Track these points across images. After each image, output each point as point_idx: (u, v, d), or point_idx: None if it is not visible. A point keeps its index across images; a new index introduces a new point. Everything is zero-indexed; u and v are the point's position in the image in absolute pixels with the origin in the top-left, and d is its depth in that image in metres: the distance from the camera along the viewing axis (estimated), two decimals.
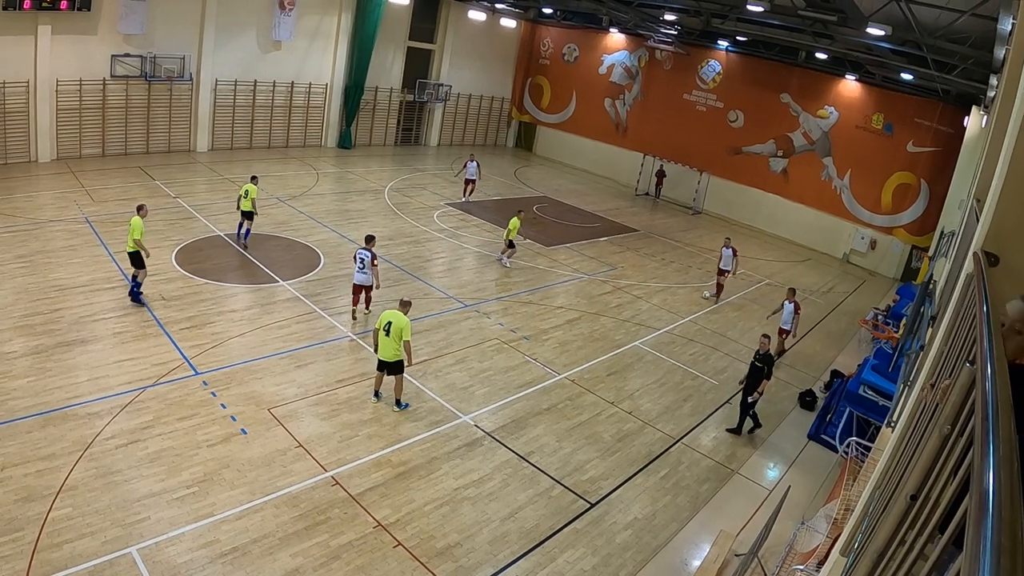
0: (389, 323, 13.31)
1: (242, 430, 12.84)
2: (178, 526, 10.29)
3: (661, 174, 39.14)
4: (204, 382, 14.20)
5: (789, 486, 13.36)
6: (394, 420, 13.96)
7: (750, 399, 14.95)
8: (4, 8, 25.69)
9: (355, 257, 17.55)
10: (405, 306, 13.61)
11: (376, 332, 13.61)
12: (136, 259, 16.58)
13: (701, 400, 17.18)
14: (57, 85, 28.35)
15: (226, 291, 18.73)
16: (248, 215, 21.27)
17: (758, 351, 14.91)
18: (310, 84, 37.45)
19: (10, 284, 17.00)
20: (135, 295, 16.90)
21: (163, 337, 15.68)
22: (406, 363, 13.82)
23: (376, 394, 14.35)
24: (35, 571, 9.09)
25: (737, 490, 13.93)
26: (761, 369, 14.63)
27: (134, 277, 16.89)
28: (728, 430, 15.57)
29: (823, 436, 16.10)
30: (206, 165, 31.65)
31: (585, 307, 21.49)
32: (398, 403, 14.11)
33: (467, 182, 31.45)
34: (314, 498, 11.41)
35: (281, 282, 19.68)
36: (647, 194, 40.24)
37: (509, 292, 21.77)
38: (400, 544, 10.73)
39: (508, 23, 44.60)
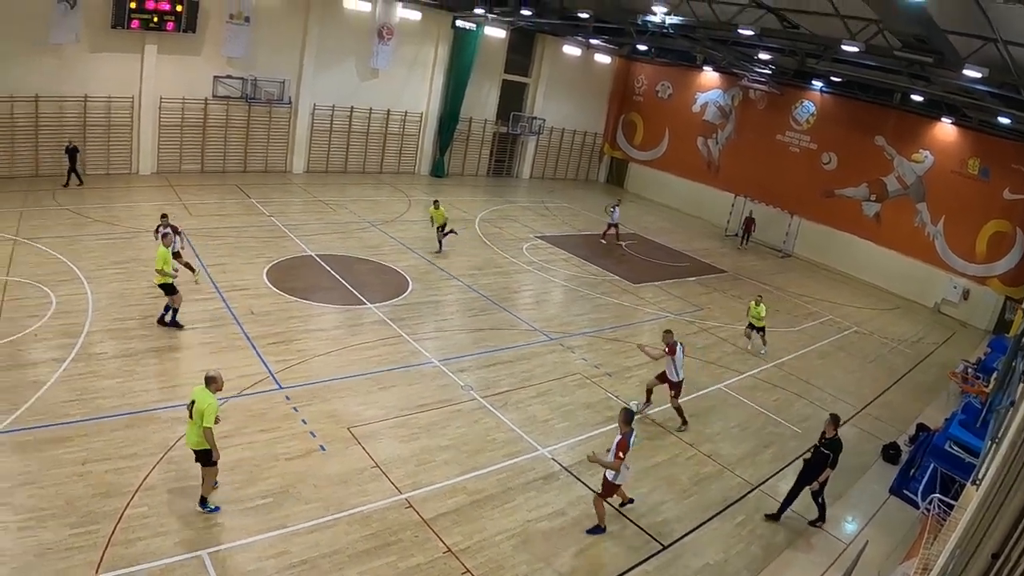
0: (192, 403, 10.85)
1: (321, 446, 13.48)
2: (251, 534, 10.94)
3: (750, 221, 38.81)
4: (287, 397, 15.02)
5: (867, 541, 13.01)
6: (473, 447, 14.36)
7: (810, 489, 13.71)
8: (112, 27, 28.60)
9: None
10: (211, 382, 11.04)
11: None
12: (166, 288, 16.96)
13: (783, 447, 16.93)
14: (160, 102, 31.08)
15: (314, 310, 19.73)
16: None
17: (824, 435, 13.54)
18: (406, 112, 39.43)
19: (106, 289, 18.64)
20: (170, 321, 17.22)
21: (250, 351, 16.74)
22: (213, 455, 11.11)
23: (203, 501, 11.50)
24: (107, 564, 9.87)
25: (813, 542, 13.68)
26: (826, 457, 13.24)
27: (167, 305, 17.24)
28: (767, 516, 14.50)
29: (905, 491, 15.62)
30: (301, 186, 33.62)
31: None
32: (203, 502, 11.33)
33: (610, 226, 32.27)
34: (387, 519, 11.87)
35: (369, 305, 20.53)
36: (736, 235, 39.97)
37: (595, 327, 22.05)
38: (468, 571, 11.02)
39: (602, 59, 45.55)
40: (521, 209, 37.00)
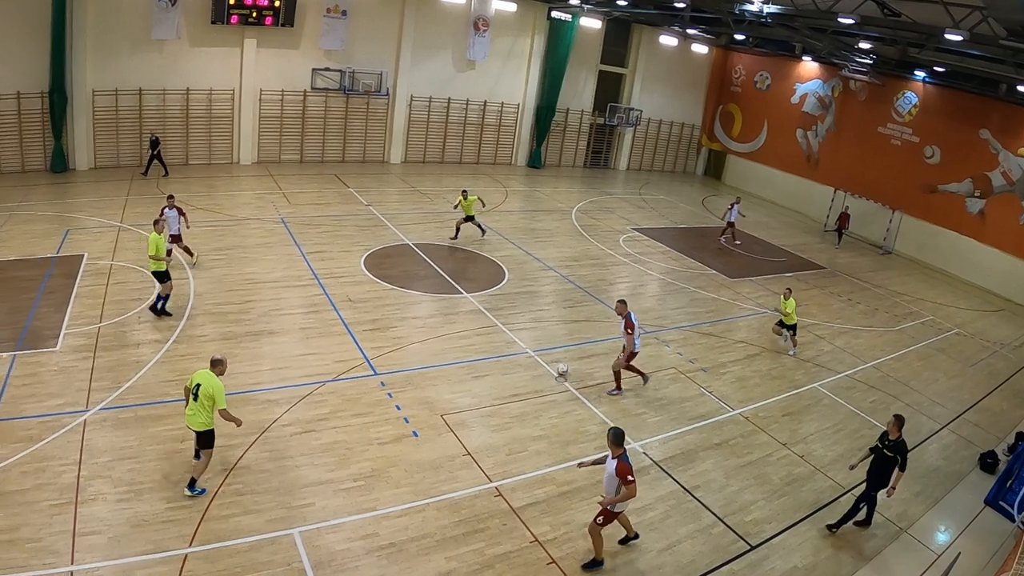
0: (198, 385, 11.01)
1: (414, 432, 13.64)
2: (341, 516, 11.16)
3: (844, 217, 37.25)
4: (382, 383, 15.28)
5: (959, 553, 12.32)
6: (564, 439, 14.29)
7: (875, 494, 12.91)
8: (213, 22, 30.02)
9: None
10: (216, 365, 11.32)
11: (186, 391, 11.35)
12: (159, 275, 17.07)
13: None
14: (260, 95, 32.33)
15: (411, 298, 20.03)
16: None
17: (885, 435, 12.80)
18: (502, 103, 39.66)
19: (207, 274, 19.52)
20: (160, 309, 17.10)
21: (347, 337, 17.13)
22: (210, 443, 11.34)
23: (198, 454, 11.52)
24: (199, 538, 10.28)
25: (903, 550, 13.01)
26: (892, 459, 12.44)
27: (158, 294, 17.26)
28: (829, 526, 13.87)
29: (1001, 503, 14.70)
30: (399, 176, 34.28)
31: (766, 343, 20.94)
32: (192, 485, 11.28)
33: (728, 224, 31.74)
34: (476, 506, 11.92)
35: (465, 294, 20.69)
36: (833, 231, 38.56)
37: (690, 322, 21.62)
38: (554, 562, 10.94)
39: (700, 49, 44.71)
40: (618, 201, 36.67)
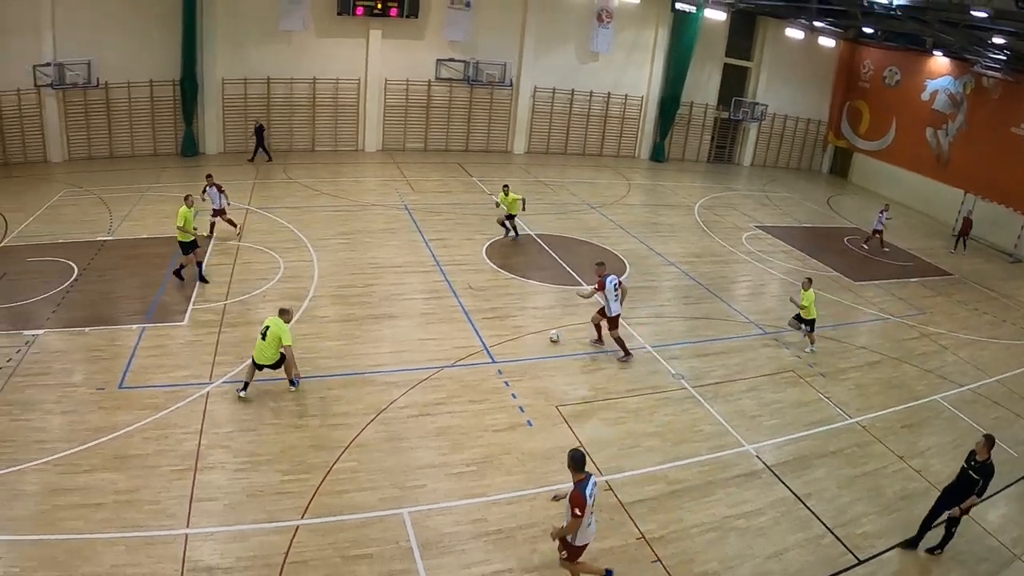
0: (267, 327, 13.24)
1: (528, 421, 13.65)
2: (451, 499, 11.30)
3: (967, 223, 34.78)
4: (499, 371, 15.38)
5: None
6: (678, 437, 13.99)
7: (950, 515, 12.17)
8: (339, 14, 31.14)
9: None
10: (284, 313, 13.50)
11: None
12: (185, 246, 18.21)
13: (997, 471, 15.20)
14: (385, 84, 33.24)
15: (531, 288, 20.12)
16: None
17: (973, 455, 11.99)
18: (626, 96, 39.29)
19: (332, 257, 20.27)
20: (180, 275, 18.55)
21: (466, 324, 17.37)
22: (293, 372, 13.54)
23: (244, 387, 13.61)
24: (312, 510, 10.66)
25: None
26: (975, 482, 11.61)
27: (197, 262, 18.54)
28: (903, 544, 12.99)
29: None
30: (521, 166, 34.56)
31: (887, 351, 19.94)
32: (292, 383, 13.84)
33: (875, 232, 30.63)
34: None
35: (585, 286, 20.54)
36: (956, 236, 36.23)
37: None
38: (659, 560, 10.72)
39: (827, 42, 42.89)
40: (741, 197, 35.77)
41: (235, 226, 21.79)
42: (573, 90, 37.69)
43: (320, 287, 18.37)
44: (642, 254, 24.12)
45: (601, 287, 16.35)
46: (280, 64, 31.74)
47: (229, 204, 21.71)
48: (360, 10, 31.10)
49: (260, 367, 13.51)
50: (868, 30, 40.38)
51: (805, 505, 12.70)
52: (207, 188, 21.17)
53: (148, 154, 32.03)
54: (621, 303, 16.53)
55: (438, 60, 33.92)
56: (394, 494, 11.16)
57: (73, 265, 19.87)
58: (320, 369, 14.54)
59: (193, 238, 18.39)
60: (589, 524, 9.30)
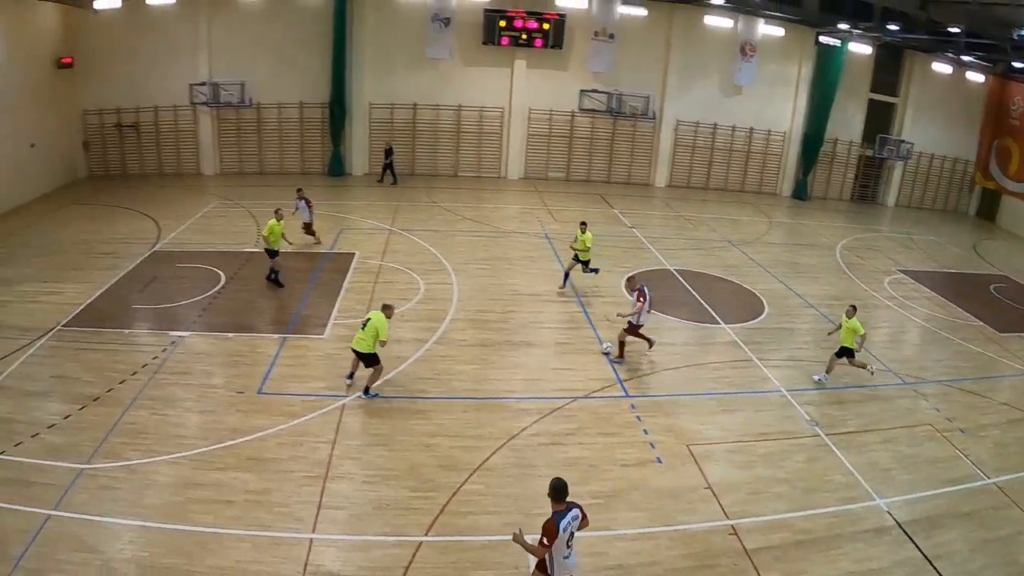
0: (368, 319, 14.31)
1: (658, 459, 13.46)
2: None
3: None
4: (632, 405, 15.25)
5: None
6: (808, 485, 13.49)
7: None
8: (484, 43, 32.28)
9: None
10: (386, 309, 14.52)
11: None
12: (271, 252, 20.14)
13: None
14: (529, 113, 33.93)
15: (667, 323, 19.86)
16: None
17: None
18: (769, 131, 38.46)
19: (471, 282, 20.74)
20: (273, 279, 20.37)
21: (602, 356, 17.31)
22: (374, 383, 14.68)
23: (351, 375, 15.03)
24: (436, 528, 10.87)
25: None
26: None
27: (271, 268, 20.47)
28: None
29: None
30: (662, 199, 34.37)
31: None
32: (366, 391, 14.64)
33: None
34: (708, 542, 11.51)
35: (722, 324, 20.24)
36: None
37: (952, 377, 19.57)
38: None
39: (975, 77, 40.72)
40: (885, 239, 34.31)
41: (316, 239, 23.60)
42: (716, 124, 37.32)
43: (459, 311, 18.81)
44: (781, 294, 23.52)
45: (643, 296, 16.65)
46: (426, 91, 32.97)
47: (312, 217, 23.43)
48: (505, 40, 32.07)
49: (356, 354, 14.52)
50: (1019, 64, 38.33)
51: (934, 568, 12.01)
52: (298, 201, 22.73)
53: (296, 172, 33.69)
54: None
55: (581, 91, 34.37)
56: (518, 520, 11.10)
57: (221, 273, 21.08)
58: (454, 391, 14.86)
59: (278, 247, 20.29)
60: (567, 556, 8.75)
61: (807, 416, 15.96)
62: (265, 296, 19.91)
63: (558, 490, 8.69)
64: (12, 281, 21.54)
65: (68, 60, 33.75)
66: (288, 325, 18.00)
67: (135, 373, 15.86)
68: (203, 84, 33.03)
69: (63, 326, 18.42)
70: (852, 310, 17.49)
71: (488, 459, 12.65)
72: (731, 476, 13.41)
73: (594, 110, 34.75)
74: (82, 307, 19.43)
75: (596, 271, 21.43)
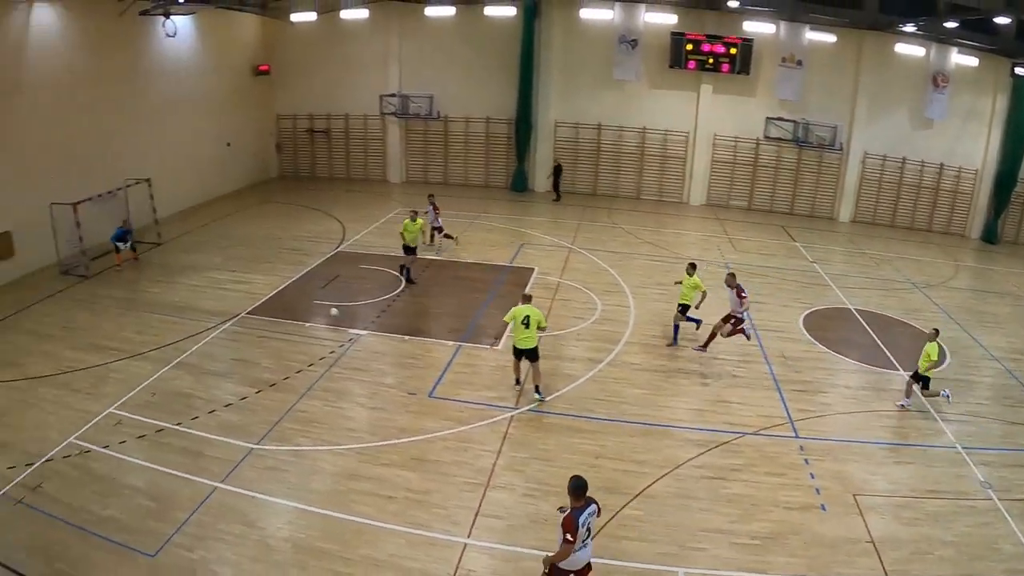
0: (527, 316, 14.87)
1: (822, 505, 12.96)
2: (728, 568, 11.03)
3: None
4: (800, 447, 14.75)
5: None
6: (974, 552, 12.27)
7: None
8: (671, 66, 32.03)
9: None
10: (529, 300, 15.32)
11: (513, 329, 15.30)
12: (408, 250, 22.06)
13: None
14: (714, 139, 33.43)
15: (844, 365, 19.10)
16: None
17: None
18: (960, 168, 35.43)
19: (648, 307, 20.67)
20: (406, 276, 22.27)
21: (774, 392, 16.89)
22: (541, 380, 15.39)
23: (519, 380, 15.69)
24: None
25: None
26: None
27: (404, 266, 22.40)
28: None
29: None
30: (845, 235, 32.95)
31: None
32: (538, 390, 15.24)
33: None
34: None
35: (900, 371, 19.27)
36: None
37: None
38: None
39: None
40: None
41: (453, 239, 25.26)
42: (904, 158, 35.07)
43: (633, 334, 18.80)
44: (963, 343, 22.01)
45: (742, 293, 17.32)
46: (611, 112, 33.22)
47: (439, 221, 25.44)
48: (692, 64, 31.83)
49: (522, 354, 15.24)
50: None
51: None
52: (429, 207, 24.41)
53: (480, 185, 34.73)
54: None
55: (767, 118, 33.49)
56: (672, 551, 11.13)
57: (401, 277, 21.97)
58: (623, 414, 14.89)
59: (414, 245, 22.24)
60: (579, 549, 9.03)
61: (981, 477, 15.01)
62: (443, 303, 20.74)
63: (579, 488, 9.04)
64: (204, 268, 23.61)
65: (265, 68, 36.66)
66: (464, 333, 18.62)
67: (312, 365, 16.98)
68: (393, 95, 34.81)
69: (248, 313, 20.00)
70: (935, 333, 16.81)
71: (650, 486, 12.61)
72: (896, 532, 12.69)
73: (779, 139, 33.78)
74: (267, 297, 21.05)
75: (698, 323, 19.15)
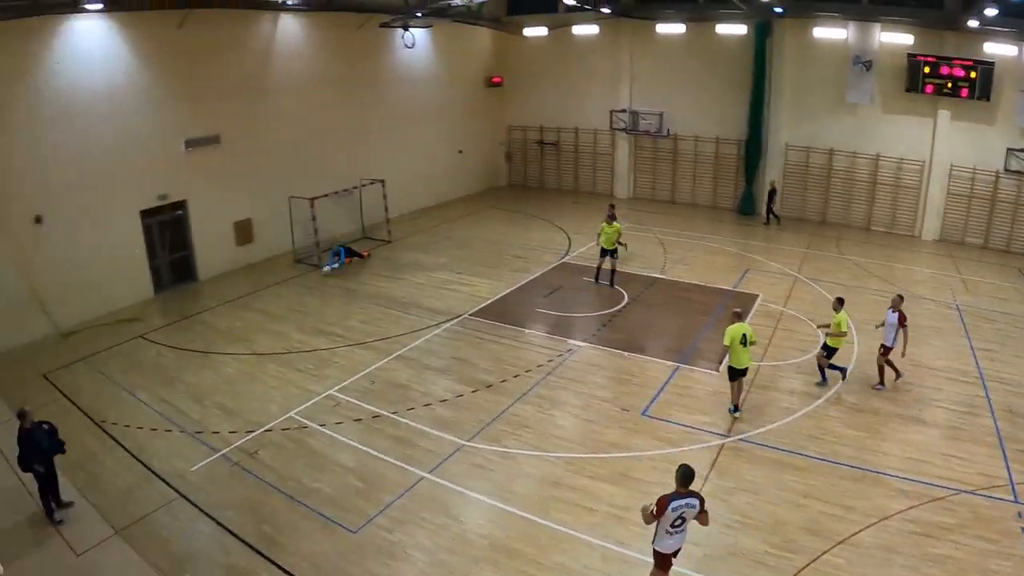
0: (744, 335, 15.06)
1: None
2: None
3: None
4: (1019, 513, 13.55)
5: None
6: None
7: None
8: (907, 90, 29.84)
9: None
10: (741, 316, 15.50)
11: (730, 348, 15.23)
12: (604, 252, 23.11)
13: None
14: (951, 169, 30.84)
15: None
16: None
17: None
18: None
19: (871, 344, 18.73)
20: (610, 282, 23.46)
21: (997, 450, 15.44)
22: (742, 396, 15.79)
23: (736, 408, 15.61)
24: None
25: None
26: None
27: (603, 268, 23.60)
28: None
29: None
30: None
31: None
32: (736, 407, 15.58)
33: None
34: None
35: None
36: None
37: None
38: None
39: None
40: None
41: (624, 246, 25.08)
42: None
43: (854, 372, 17.76)
44: None
45: (904, 319, 16.90)
46: (843, 136, 31.67)
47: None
48: (929, 88, 29.52)
49: (738, 374, 15.39)
50: None
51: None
52: (609, 214, 24.71)
53: (707, 205, 34.52)
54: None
55: (1008, 149, 30.38)
56: None
57: (624, 293, 22.47)
58: (836, 455, 14.27)
59: (611, 248, 23.16)
60: (671, 535, 9.63)
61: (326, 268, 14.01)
62: (664, 322, 20.85)
63: (686, 477, 9.51)
64: (430, 267, 25.19)
65: (498, 80, 38.37)
66: (683, 355, 18.71)
67: (529, 371, 17.75)
68: (623, 111, 35.31)
69: (470, 315, 21.06)
70: (838, 303, 16.77)
71: (856, 534, 12.14)
72: None
73: (1020, 172, 30.84)
74: (490, 301, 22.19)
75: (844, 371, 17.49)
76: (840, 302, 16.95)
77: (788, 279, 23.75)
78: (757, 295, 22.58)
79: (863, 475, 13.70)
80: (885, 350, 17.18)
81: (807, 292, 22.72)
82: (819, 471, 13.73)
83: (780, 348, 19.01)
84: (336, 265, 25.94)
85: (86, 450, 14.92)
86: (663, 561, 9.95)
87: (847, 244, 28.67)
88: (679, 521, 9.57)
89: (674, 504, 9.42)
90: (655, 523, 9.56)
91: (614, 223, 23.14)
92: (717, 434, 14.92)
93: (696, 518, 9.67)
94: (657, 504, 9.42)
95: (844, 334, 16.63)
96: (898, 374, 17.41)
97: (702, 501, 9.64)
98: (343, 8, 28.54)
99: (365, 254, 27.12)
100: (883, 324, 17.38)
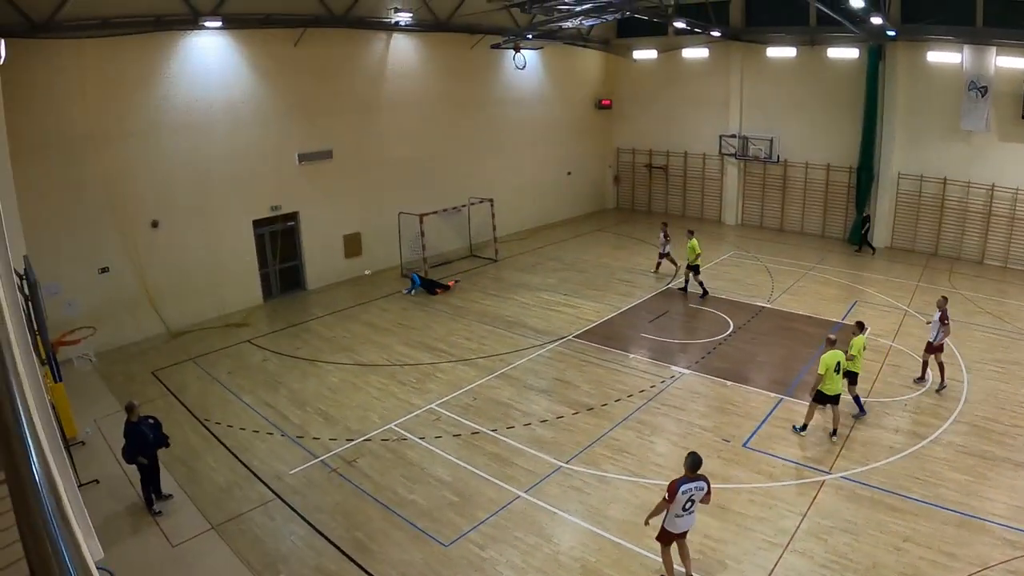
0: (839, 362, 15.13)
1: None
2: None
3: None
4: None
5: None
6: None
7: None
8: (1023, 118, 27.92)
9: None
10: (834, 344, 15.39)
11: (824, 376, 15.25)
12: (693, 268, 24.18)
13: None
14: None
15: None
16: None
17: None
18: None
19: (983, 384, 18.29)
20: (684, 289, 25.20)
21: None
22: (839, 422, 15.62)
23: (834, 432, 15.63)
24: None
25: None
26: None
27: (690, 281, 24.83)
28: None
29: None
30: None
31: None
32: (835, 432, 15.63)
33: None
34: None
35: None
36: None
37: None
38: None
39: None
40: None
41: (675, 265, 26.65)
42: None
43: (963, 413, 16.83)
44: None
45: (946, 318, 17.34)
46: (957, 165, 29.91)
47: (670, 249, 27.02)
48: None
49: (828, 400, 15.35)
50: None
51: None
52: (663, 232, 26.56)
53: (815, 234, 33.61)
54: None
55: None
56: None
57: (730, 321, 22.21)
58: (940, 498, 13.54)
59: (696, 263, 24.19)
60: (680, 516, 10.54)
61: None
62: (769, 353, 20.31)
63: (694, 464, 10.48)
64: (536, 288, 25.42)
65: (607, 102, 38.54)
66: (787, 387, 18.25)
67: (631, 396, 17.70)
68: (733, 136, 34.80)
69: (574, 337, 21.20)
70: (858, 327, 16.59)
71: None
72: None
73: None
74: (595, 324, 22.20)
75: (860, 407, 16.79)
76: (860, 326, 16.76)
77: (898, 312, 22.83)
78: (866, 328, 21.75)
79: (967, 521, 12.91)
80: (930, 347, 17.76)
81: (917, 327, 21.55)
82: (922, 514, 13.06)
83: (888, 384, 18.13)
84: (410, 292, 26.36)
85: (189, 446, 15.84)
86: (669, 539, 10.82)
87: (959, 278, 27.21)
88: (688, 503, 10.45)
89: (684, 487, 10.34)
90: (665, 511, 10.51)
91: (693, 238, 24.29)
92: (819, 470, 14.44)
93: (702, 500, 10.63)
94: (668, 489, 10.36)
95: (853, 358, 16.12)
96: (942, 382, 17.63)
97: (708, 484, 10.59)
98: (455, 29, 29.19)
99: (451, 284, 27.13)
100: (930, 322, 18.00)
